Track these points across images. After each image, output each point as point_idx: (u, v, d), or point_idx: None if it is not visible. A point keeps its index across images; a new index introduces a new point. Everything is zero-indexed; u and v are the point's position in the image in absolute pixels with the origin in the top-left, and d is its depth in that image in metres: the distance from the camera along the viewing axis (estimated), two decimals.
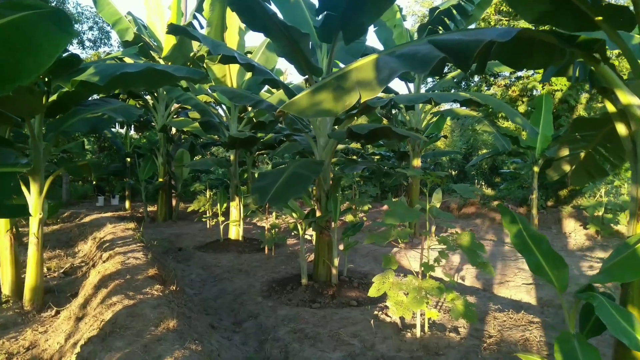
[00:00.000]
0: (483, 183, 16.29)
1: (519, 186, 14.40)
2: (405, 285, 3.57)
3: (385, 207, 14.35)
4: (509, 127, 10.70)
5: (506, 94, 11.47)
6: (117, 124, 13.14)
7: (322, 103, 2.04)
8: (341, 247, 5.49)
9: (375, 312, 4.30)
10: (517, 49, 2.18)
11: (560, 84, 10.26)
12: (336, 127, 5.40)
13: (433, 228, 3.97)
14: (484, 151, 16.83)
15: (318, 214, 5.19)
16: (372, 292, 3.69)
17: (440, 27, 6.40)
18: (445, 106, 10.79)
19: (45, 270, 5.97)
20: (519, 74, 11.71)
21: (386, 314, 4.26)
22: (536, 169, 9.71)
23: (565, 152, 3.62)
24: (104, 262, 5.36)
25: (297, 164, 4.62)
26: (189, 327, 3.40)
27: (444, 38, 2.01)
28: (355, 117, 5.39)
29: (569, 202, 10.94)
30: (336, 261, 5.15)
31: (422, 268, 3.64)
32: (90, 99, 5.85)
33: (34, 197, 4.47)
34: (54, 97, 4.91)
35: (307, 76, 5.26)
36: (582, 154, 3.59)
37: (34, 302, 4.50)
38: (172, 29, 4.59)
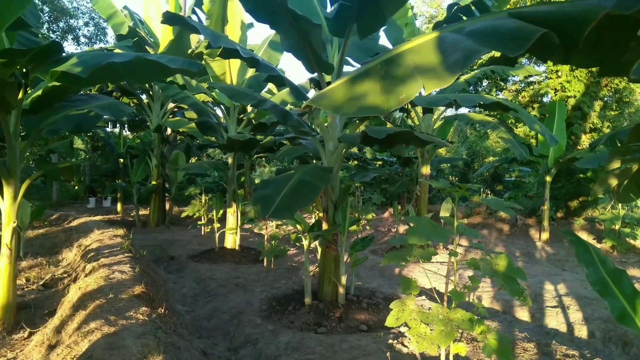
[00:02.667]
0: (488, 191, 15.84)
1: (524, 195, 13.98)
2: (430, 315, 3.08)
3: (386, 214, 13.88)
4: (517, 135, 10.25)
5: (516, 100, 11.03)
6: (109, 123, 12.62)
7: (365, 96, 1.58)
8: (345, 257, 5.00)
9: (390, 341, 3.80)
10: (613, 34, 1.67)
11: (574, 90, 9.83)
12: (346, 130, 4.93)
13: (457, 246, 3.51)
14: (491, 159, 16.38)
15: (325, 226, 4.70)
16: (391, 322, 3.20)
17: None
18: (449, 111, 10.33)
19: (23, 281, 5.46)
20: (531, 79, 11.28)
21: (402, 344, 3.77)
22: (548, 178, 9.27)
23: (616, 164, 3.15)
24: (86, 275, 4.84)
25: (304, 170, 4.13)
26: None
27: (529, 11, 1.53)
28: (358, 121, 4.93)
29: (579, 213, 10.49)
30: (344, 279, 4.67)
31: (451, 295, 3.15)
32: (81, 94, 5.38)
33: (7, 203, 3.97)
34: (38, 93, 4.42)
35: (314, 74, 4.80)
36: (635, 167, 3.13)
37: (4, 321, 4.00)
38: (168, 18, 4.09)
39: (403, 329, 4.03)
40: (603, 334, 4.26)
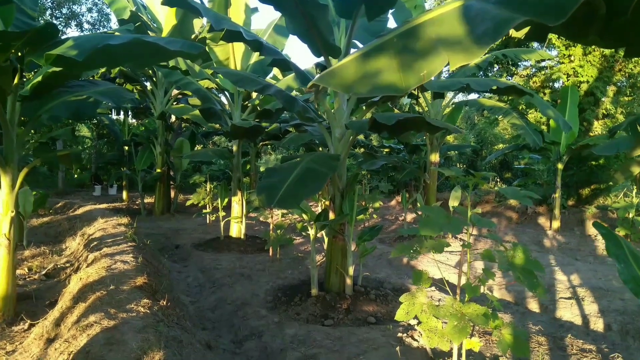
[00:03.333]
0: (497, 179, 15.63)
1: (533, 182, 13.75)
2: (443, 309, 2.94)
3: (393, 202, 13.72)
4: (529, 121, 10.01)
5: (527, 85, 10.77)
6: (114, 110, 12.50)
7: (380, 74, 1.41)
8: (353, 247, 4.86)
9: (399, 334, 3.67)
10: None
11: (587, 75, 9.56)
12: (354, 116, 4.76)
13: (471, 237, 3.35)
14: (501, 146, 16.13)
15: (331, 215, 4.56)
16: (401, 316, 3.07)
17: None
18: (458, 97, 10.08)
19: (25, 271, 5.38)
20: (543, 63, 11.00)
21: (412, 337, 3.64)
22: (560, 166, 9.06)
23: None
24: (88, 265, 4.75)
25: (310, 158, 3.98)
26: (180, 357, 2.79)
27: None
28: (365, 107, 4.76)
29: (590, 201, 10.27)
30: (351, 270, 4.54)
31: (465, 288, 3.01)
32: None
33: (4, 192, 3.85)
34: (38, 79, 4.29)
35: (321, 58, 4.62)
36: None
37: (4, 312, 3.91)
38: None
39: (413, 322, 3.90)
40: (620, 327, 4.11)
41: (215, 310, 4.54)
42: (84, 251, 5.64)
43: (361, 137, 15.35)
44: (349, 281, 4.54)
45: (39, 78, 4.27)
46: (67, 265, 5.65)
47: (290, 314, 4.24)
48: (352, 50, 4.68)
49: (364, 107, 4.92)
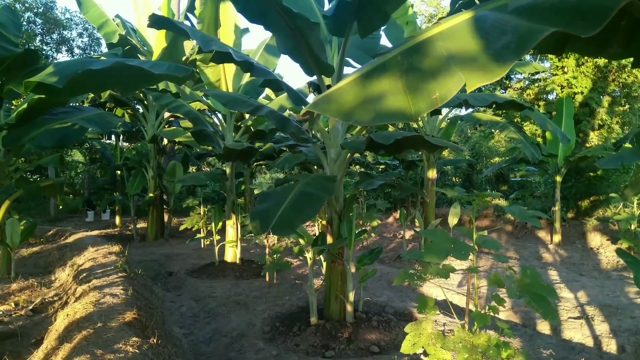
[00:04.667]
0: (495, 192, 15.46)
1: (530, 195, 13.63)
2: (452, 340, 2.76)
3: (390, 219, 13.53)
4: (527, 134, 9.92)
5: (521, 98, 10.72)
6: (105, 134, 12.33)
7: (384, 98, 1.25)
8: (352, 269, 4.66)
9: None
10: None
11: (581, 86, 9.52)
12: (349, 134, 4.62)
13: (476, 258, 3.18)
14: (497, 159, 16.05)
15: (329, 239, 4.39)
16: (407, 348, 2.88)
17: None
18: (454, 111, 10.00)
19: (12, 306, 5.14)
20: (536, 76, 10.96)
21: None
22: (559, 178, 8.95)
23: None
24: (76, 299, 4.53)
25: (305, 181, 3.82)
26: None
27: None
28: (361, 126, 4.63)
29: (590, 213, 10.14)
30: (351, 295, 4.34)
31: (474, 317, 2.83)
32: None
33: None
34: (24, 106, 4.14)
35: (313, 77, 4.50)
36: None
37: None
38: (155, 21, 3.79)
39: (419, 350, 3.70)
40: (634, 349, 3.92)
41: (210, 343, 4.32)
42: (73, 283, 5.42)
43: (356, 154, 15.25)
44: (349, 308, 4.34)
45: (25, 106, 4.13)
46: (56, 298, 5.42)
47: (289, 345, 4.03)
48: (345, 69, 4.57)
49: (359, 126, 4.79)
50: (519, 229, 10.29)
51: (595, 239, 8.87)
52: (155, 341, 3.34)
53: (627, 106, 10.15)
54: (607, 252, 8.12)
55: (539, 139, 10.61)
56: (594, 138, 10.33)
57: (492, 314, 2.80)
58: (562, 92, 9.90)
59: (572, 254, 8.19)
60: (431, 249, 2.69)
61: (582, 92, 9.64)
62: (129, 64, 2.81)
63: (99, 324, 3.51)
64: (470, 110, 9.94)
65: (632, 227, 7.75)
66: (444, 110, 8.20)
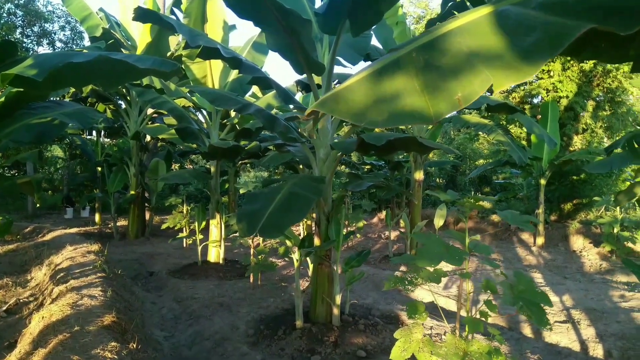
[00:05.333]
0: (479, 194, 15.59)
1: (513, 197, 13.74)
2: (444, 347, 2.70)
3: (375, 219, 13.50)
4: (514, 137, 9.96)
5: (507, 101, 10.76)
6: (86, 130, 12.05)
7: (399, 98, 1.15)
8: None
9: None
10: None
11: (567, 90, 9.59)
12: (338, 134, 4.54)
13: (470, 263, 3.12)
14: (481, 161, 16.14)
15: (317, 240, 4.30)
16: (396, 355, 2.81)
17: None
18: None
19: None
20: None
21: None
22: (543, 181, 9.01)
23: None
24: (53, 300, 4.37)
25: (294, 181, 3.73)
26: None
27: None
28: (351, 126, 4.54)
29: (573, 216, 10.24)
30: (338, 298, 4.26)
31: (466, 323, 2.77)
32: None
33: None
34: (1, 99, 3.97)
35: (303, 75, 4.41)
36: None
37: None
38: (140, 14, 3.66)
39: (408, 357, 3.64)
40: (621, 353, 3.92)
41: (192, 347, 4.20)
42: (50, 283, 5.24)
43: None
44: (336, 311, 4.26)
45: (2, 99, 3.96)
46: (31, 299, 5.24)
47: (274, 349, 3.93)
48: (336, 68, 4.48)
49: (348, 126, 4.71)
50: (502, 231, 10.34)
51: (578, 242, 8.94)
52: (135, 346, 3.22)
53: (611, 111, 10.27)
54: (590, 255, 8.18)
55: (524, 142, 10.69)
56: (577, 142, 10.43)
57: (483, 319, 2.75)
58: (547, 95, 9.97)
59: (555, 256, 8.25)
60: (424, 253, 2.62)
61: (567, 96, 9.72)
62: (113, 57, 2.69)
63: (76, 327, 3.38)
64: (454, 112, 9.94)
65: (615, 230, 7.83)
66: None
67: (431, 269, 2.88)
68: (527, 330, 4.66)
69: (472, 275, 2.79)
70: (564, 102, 9.74)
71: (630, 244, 7.69)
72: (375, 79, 1.26)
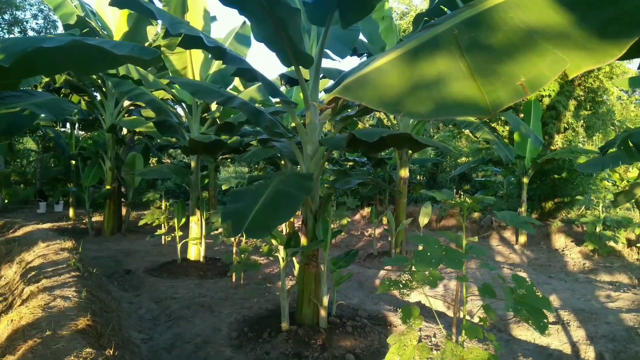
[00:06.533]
0: (461, 192, 15.66)
1: (493, 195, 13.81)
2: (441, 355, 2.57)
3: (357, 216, 13.41)
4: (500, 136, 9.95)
5: None
6: (59, 122, 11.62)
7: (444, 83, 0.97)
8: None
9: None
10: None
11: (549, 89, 9.62)
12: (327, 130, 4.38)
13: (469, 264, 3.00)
14: (464, 159, 16.19)
15: (303, 239, 4.14)
16: None
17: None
18: None
19: None
20: None
21: None
22: (526, 179, 9.01)
23: None
24: (23, 301, 4.12)
25: (280, 179, 3.56)
26: None
27: None
28: (340, 122, 4.38)
29: (554, 214, 10.31)
30: (325, 299, 4.12)
31: (465, 330, 2.66)
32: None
33: None
34: None
35: (290, 68, 4.24)
36: None
37: None
38: None
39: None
40: (613, 356, 3.87)
41: (171, 351, 4.00)
42: (20, 283, 4.96)
43: None
44: (323, 312, 4.12)
45: None
46: (0, 299, 4.95)
47: (258, 353, 3.76)
48: (323, 61, 4.31)
49: (334, 122, 4.55)
50: (484, 229, 10.34)
51: (560, 240, 8.98)
52: (111, 352, 3.01)
53: (591, 110, 10.34)
54: (572, 254, 8.21)
55: (506, 141, 10.70)
56: (558, 141, 10.48)
57: (482, 325, 2.64)
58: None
59: (538, 255, 8.25)
60: (422, 256, 2.48)
61: (549, 95, 9.75)
62: (88, 42, 2.46)
63: (48, 332, 3.15)
64: None
65: (597, 229, 7.87)
66: None
67: (427, 272, 2.75)
68: (516, 332, 4.59)
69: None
70: (547, 100, 9.77)
71: (612, 243, 7.73)
72: (410, 60, 1.07)
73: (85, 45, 2.45)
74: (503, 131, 11.39)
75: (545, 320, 2.47)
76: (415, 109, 1.03)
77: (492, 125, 11.17)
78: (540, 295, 2.59)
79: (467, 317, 2.81)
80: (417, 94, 1.01)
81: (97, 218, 11.40)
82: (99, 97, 9.62)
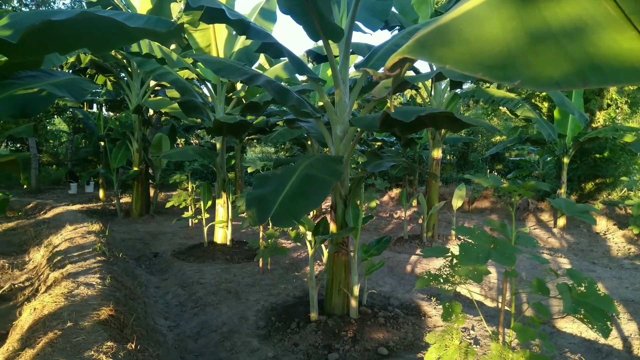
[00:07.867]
0: (495, 173, 15.13)
1: (528, 175, 13.28)
2: (489, 359, 2.32)
3: (385, 197, 13.10)
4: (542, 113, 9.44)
5: None
6: (85, 103, 11.63)
7: (582, 33, 0.66)
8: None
9: None
10: None
11: None
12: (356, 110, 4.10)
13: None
14: (498, 138, 15.62)
15: (332, 226, 3.91)
16: None
17: None
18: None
19: None
20: None
21: None
22: (566, 159, 8.54)
23: None
24: (47, 288, 4.04)
25: (309, 162, 3.32)
26: None
27: None
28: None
29: (594, 196, 9.79)
30: (356, 289, 3.89)
31: (515, 331, 2.40)
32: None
33: None
34: None
35: (318, 42, 3.95)
36: None
37: None
38: None
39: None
40: None
41: (198, 340, 3.87)
42: (46, 268, 4.92)
43: None
44: (354, 303, 3.90)
45: None
46: (27, 284, 4.92)
47: (287, 344, 3.59)
48: (354, 34, 4.01)
49: (361, 100, 4.26)
50: (520, 211, 9.92)
51: (601, 223, 8.52)
52: (133, 346, 2.87)
53: (637, 85, 9.70)
54: (615, 238, 7.77)
55: (544, 118, 10.17)
56: (600, 118, 9.91)
57: (535, 327, 2.37)
58: None
59: (579, 239, 7.84)
60: (467, 251, 2.22)
61: None
62: (99, 14, 2.25)
63: (69, 323, 3.03)
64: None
65: None
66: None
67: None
68: (560, 324, 4.29)
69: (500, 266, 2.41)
70: None
71: None
72: (522, 1, 0.76)
73: (96, 18, 2.24)
74: (542, 108, 10.85)
75: (608, 323, 2.19)
76: (543, 73, 0.71)
77: (533, 101, 10.65)
78: (602, 294, 2.30)
79: (511, 311, 2.55)
80: (542, 52, 0.70)
81: (126, 199, 11.45)
82: (125, 78, 9.52)
